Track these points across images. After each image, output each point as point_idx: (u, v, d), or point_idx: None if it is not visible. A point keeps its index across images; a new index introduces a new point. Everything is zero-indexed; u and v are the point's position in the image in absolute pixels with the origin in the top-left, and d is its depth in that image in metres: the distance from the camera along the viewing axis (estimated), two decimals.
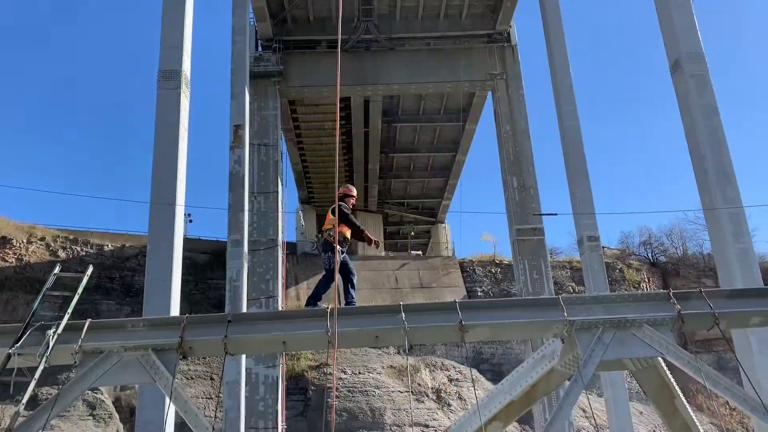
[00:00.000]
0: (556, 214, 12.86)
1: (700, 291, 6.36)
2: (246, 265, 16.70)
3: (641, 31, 77.75)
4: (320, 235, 9.03)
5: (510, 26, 21.93)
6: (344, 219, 8.80)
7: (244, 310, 15.88)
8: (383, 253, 38.01)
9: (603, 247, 21.87)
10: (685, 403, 6.44)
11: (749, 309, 6.49)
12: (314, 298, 8.60)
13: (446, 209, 39.29)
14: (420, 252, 41.53)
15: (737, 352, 12.11)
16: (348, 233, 9.02)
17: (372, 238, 9.13)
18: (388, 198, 38.04)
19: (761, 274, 12.63)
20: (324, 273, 8.82)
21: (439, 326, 6.31)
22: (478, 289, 32.59)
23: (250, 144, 18.31)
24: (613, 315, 6.11)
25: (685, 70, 13.27)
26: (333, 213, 8.76)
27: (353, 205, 9.54)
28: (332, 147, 30.19)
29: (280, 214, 19.10)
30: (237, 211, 16.85)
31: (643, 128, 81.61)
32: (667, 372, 6.27)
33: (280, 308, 18.06)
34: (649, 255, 37.01)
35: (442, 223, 41.02)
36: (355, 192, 9.51)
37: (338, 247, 8.52)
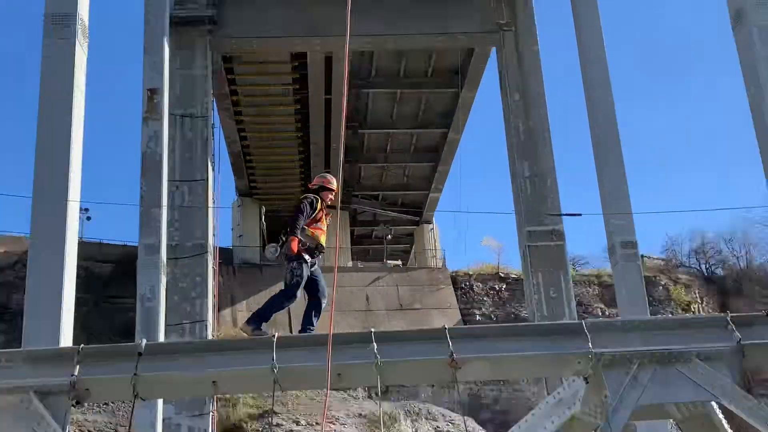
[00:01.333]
0: (580, 215, 12.93)
1: (767, 314, 6.51)
2: (164, 279, 16.52)
3: None
4: (283, 239, 9.17)
5: None
6: (290, 222, 9.04)
7: (161, 339, 15.73)
8: (350, 264, 38.12)
9: (642, 256, 22.15)
10: None
11: None
12: (259, 318, 8.72)
13: (434, 205, 39.52)
14: (399, 262, 41.74)
15: None
16: (323, 238, 9.24)
17: (295, 248, 8.99)
18: (357, 189, 38.15)
19: None
20: (283, 287, 9.01)
21: (424, 360, 6.37)
22: (477, 312, 32.84)
23: (170, 115, 18.09)
24: (653, 346, 6.22)
25: (749, 19, 13.51)
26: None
27: (331, 201, 9.62)
28: (281, 120, 30.20)
29: (210, 209, 18.96)
30: (152, 206, 16.66)
31: (694, 104, 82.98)
32: (723, 421, 6.41)
33: (210, 336, 17.95)
34: (703, 267, 37.73)
35: (429, 223, 41.28)
36: (334, 184, 9.59)
37: (307, 256, 8.86)
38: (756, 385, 27.85)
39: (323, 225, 9.39)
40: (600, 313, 31.72)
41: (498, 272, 34.77)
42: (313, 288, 9.07)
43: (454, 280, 34.10)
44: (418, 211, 40.10)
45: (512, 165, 20.39)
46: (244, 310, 31.11)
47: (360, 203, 39.45)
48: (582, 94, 18.52)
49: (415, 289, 33.53)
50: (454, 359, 6.18)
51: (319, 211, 9.34)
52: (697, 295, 34.48)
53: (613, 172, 18.08)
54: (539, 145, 20.17)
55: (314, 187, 9.51)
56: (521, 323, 8.47)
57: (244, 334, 8.42)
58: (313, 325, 8.87)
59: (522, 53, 20.97)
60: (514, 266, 34.65)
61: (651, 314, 21.44)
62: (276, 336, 6.16)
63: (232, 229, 38.23)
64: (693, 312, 32.59)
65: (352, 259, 40.00)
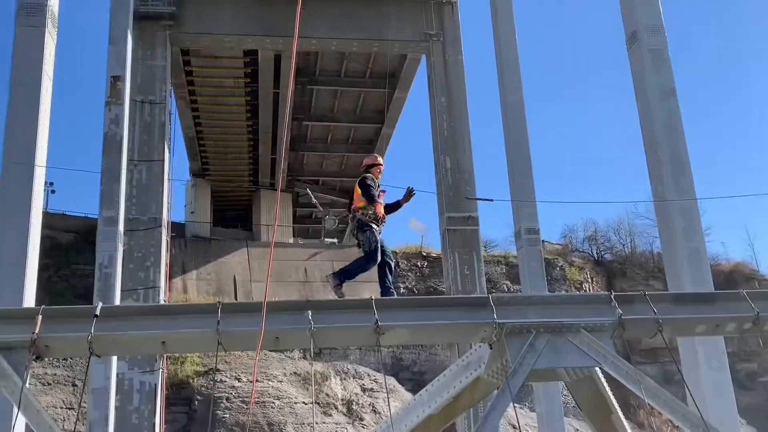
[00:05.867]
0: (491, 200, 13.25)
1: (644, 294, 6.70)
2: (121, 249, 16.19)
3: (598, 2, 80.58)
4: (352, 215, 9.66)
5: None
6: (364, 191, 9.46)
7: (118, 302, 15.42)
8: (291, 240, 37.89)
9: (543, 241, 22.65)
10: (623, 419, 6.78)
11: (695, 316, 6.91)
12: (344, 275, 9.39)
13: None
14: (335, 240, 41.68)
15: (683, 363, 12.86)
16: (382, 210, 9.64)
17: (381, 211, 9.66)
18: (301, 174, 37.88)
19: (713, 277, 13.44)
20: (363, 253, 9.54)
21: (352, 327, 6.38)
22: (402, 286, 33.07)
23: (131, 100, 17.68)
24: (548, 318, 6.35)
25: (642, 43, 13.90)
26: (359, 185, 9.59)
27: (380, 175, 10.07)
28: (233, 109, 29.74)
29: (165, 187, 18.60)
30: (112, 182, 16.29)
31: (596, 109, 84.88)
32: (605, 384, 6.57)
33: (162, 301, 17.66)
34: (594, 252, 38.74)
35: None
36: (381, 161, 10.12)
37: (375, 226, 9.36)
38: (635, 354, 28.83)
39: (381, 199, 9.80)
40: (506, 289, 32.32)
41: (421, 251, 35.06)
42: (381, 253, 9.52)
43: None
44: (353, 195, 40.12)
45: (436, 158, 20.55)
46: (193, 278, 30.66)
47: (302, 187, 39.24)
48: None
49: (348, 264, 33.58)
50: (378, 326, 6.21)
51: (378, 187, 9.83)
52: (589, 276, 35.38)
53: (522, 167, 18.48)
54: (460, 142, 20.37)
55: (366, 165, 9.95)
56: (437, 296, 8.61)
57: (277, 297, 8.38)
58: (391, 285, 9.48)
59: (448, 61, 21.11)
60: (435, 246, 35.01)
61: (548, 291, 22.00)
62: (220, 302, 6.10)
63: (185, 206, 37.57)
64: (584, 290, 33.48)
65: (294, 236, 39.77)
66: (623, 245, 39.03)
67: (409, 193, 9.86)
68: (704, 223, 13.79)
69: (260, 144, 32.36)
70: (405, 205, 9.94)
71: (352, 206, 9.77)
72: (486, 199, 16.85)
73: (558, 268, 34.63)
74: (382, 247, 9.55)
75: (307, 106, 30.80)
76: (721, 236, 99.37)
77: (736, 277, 34.80)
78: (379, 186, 9.94)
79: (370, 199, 9.53)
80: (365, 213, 9.45)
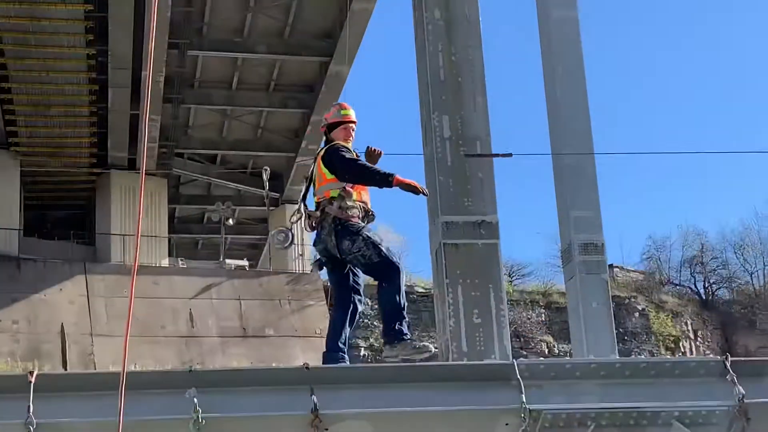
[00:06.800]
0: (511, 155, 13.31)
1: None
2: None
3: None
4: (320, 215, 9.55)
5: None
6: (350, 168, 9.39)
7: None
8: (166, 261, 37.77)
9: (612, 266, 22.81)
10: None
11: None
12: (395, 324, 9.43)
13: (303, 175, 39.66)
14: (246, 262, 41.55)
15: None
16: (366, 195, 9.67)
17: (416, 185, 9.56)
18: (183, 145, 37.87)
19: None
20: (369, 268, 9.74)
21: (273, 417, 6.39)
22: (362, 344, 33.20)
23: None
24: (617, 402, 6.43)
25: None
26: (325, 162, 9.50)
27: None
28: (63, 26, 29.51)
29: None
30: None
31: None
32: None
33: None
34: (700, 286, 39.12)
35: (294, 203, 41.32)
36: (352, 114, 10.02)
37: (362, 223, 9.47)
38: None
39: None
40: (545, 350, 32.53)
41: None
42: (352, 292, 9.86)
43: (329, 291, 34.36)
44: (277, 184, 40.07)
45: (425, 116, 20.69)
46: None
47: (186, 168, 39.15)
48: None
49: (269, 304, 33.60)
50: (317, 416, 6.23)
51: (357, 157, 9.74)
52: (690, 326, 35.75)
53: (576, 129, 18.70)
54: (466, 90, 20.54)
55: (327, 127, 9.92)
56: (424, 363, 8.58)
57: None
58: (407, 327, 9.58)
59: None
60: (421, 275, 35.23)
61: (620, 353, 22.11)
62: (34, 373, 6.06)
63: None
64: (682, 351, 33.83)
65: (171, 255, 39.72)
66: (750, 275, 39.50)
67: (370, 154, 9.74)
68: None
69: (110, 90, 32.21)
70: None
71: (317, 198, 9.68)
72: (504, 155, 17.03)
73: (638, 314, 34.93)
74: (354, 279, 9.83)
75: (198, 22, 30.83)
76: None
77: None
78: (357, 156, 9.82)
79: (378, 177, 9.47)
80: (342, 206, 9.42)
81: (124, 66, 31.18)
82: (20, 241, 35.58)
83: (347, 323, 9.59)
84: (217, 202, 40.59)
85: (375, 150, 9.84)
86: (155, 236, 37.27)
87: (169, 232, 40.09)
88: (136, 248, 8.41)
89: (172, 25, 29.23)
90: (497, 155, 18.09)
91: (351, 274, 9.79)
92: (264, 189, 37.69)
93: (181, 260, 39.80)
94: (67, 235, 38.43)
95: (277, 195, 40.50)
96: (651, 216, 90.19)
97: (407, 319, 9.59)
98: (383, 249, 9.53)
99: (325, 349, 9.52)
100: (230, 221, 40.64)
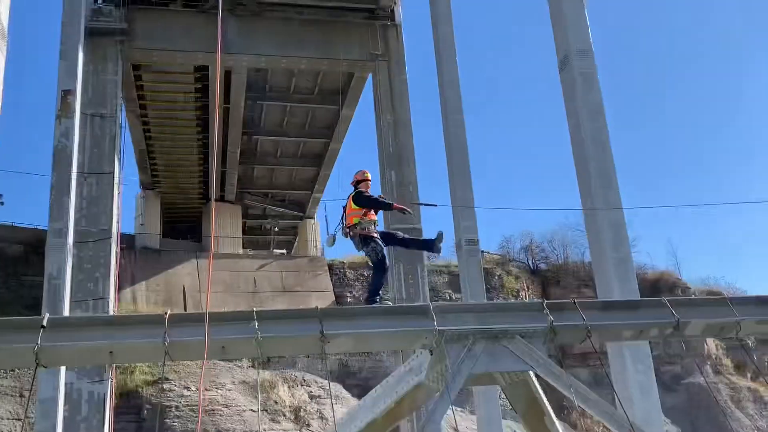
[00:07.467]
0: (436, 205, 13.46)
1: (574, 302, 6.86)
2: (70, 260, 15.77)
3: (533, 27, 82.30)
4: (349, 231, 9.73)
5: (395, 2, 22.37)
6: (369, 203, 9.72)
7: (67, 313, 15.00)
8: (241, 251, 37.46)
9: (482, 251, 22.93)
10: (555, 420, 6.92)
11: (621, 322, 7.11)
12: (373, 293, 9.44)
13: (317, 204, 39.36)
14: (284, 251, 41.31)
15: (612, 367, 13.18)
16: (375, 216, 9.92)
17: (401, 206, 10.26)
18: (250, 187, 37.51)
19: (639, 286, 13.81)
20: (372, 265, 9.81)
21: (298, 336, 6.35)
22: (348, 295, 33.00)
23: (82, 114, 17.30)
24: (485, 325, 6.45)
25: (573, 66, 14.26)
26: (355, 202, 9.72)
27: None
28: (183, 123, 29.30)
29: (115, 199, 18.22)
30: (62, 195, 15.89)
31: (534, 128, 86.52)
32: (538, 387, 6.71)
33: (111, 312, 17.24)
34: (530, 262, 39.32)
35: (312, 219, 41.07)
36: (369, 175, 10.30)
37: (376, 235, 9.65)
38: (568, 358, 29.35)
39: (374, 212, 10.05)
40: (448, 298, 32.54)
41: (367, 261, 34.98)
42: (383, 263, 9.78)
43: (331, 267, 34.12)
44: (302, 208, 39.90)
45: (382, 172, 20.68)
46: (142, 289, 29.98)
47: (252, 200, 38.84)
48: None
49: (297, 274, 33.32)
50: (323, 335, 6.21)
51: None
52: (525, 284, 35.87)
53: (462, 182, 18.74)
54: (404, 158, 20.58)
55: (356, 181, 10.13)
56: (380, 305, 8.62)
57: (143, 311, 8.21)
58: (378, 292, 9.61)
59: (393, 80, 21.32)
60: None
61: (487, 299, 22.28)
62: (168, 313, 6.00)
63: (136, 218, 36.78)
64: (520, 298, 33.97)
65: (243, 247, 39.31)
66: (557, 255, 39.76)
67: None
68: (631, 234, 14.15)
69: (210, 157, 31.92)
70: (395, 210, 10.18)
71: (346, 223, 9.88)
72: (430, 204, 17.06)
73: (496, 277, 35.06)
74: (385, 257, 9.86)
75: (257, 121, 30.58)
76: (647, 247, 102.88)
77: (660, 286, 35.71)
78: (371, 195, 10.19)
79: (385, 206, 9.95)
80: (363, 227, 9.64)
81: (216, 144, 30.94)
82: (161, 241, 35.22)
83: (381, 280, 9.73)
84: (269, 218, 40.36)
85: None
86: (234, 237, 36.97)
87: (243, 234, 39.66)
88: (212, 241, 8.36)
89: (244, 122, 29.10)
90: (425, 204, 18.25)
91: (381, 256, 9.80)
92: (294, 212, 38.01)
93: (249, 250, 39.39)
94: (186, 237, 37.93)
95: (301, 214, 40.30)
96: (502, 220, 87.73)
97: (381, 294, 9.64)
98: (380, 254, 9.59)
99: (366, 295, 9.81)
100: (276, 228, 40.37)
